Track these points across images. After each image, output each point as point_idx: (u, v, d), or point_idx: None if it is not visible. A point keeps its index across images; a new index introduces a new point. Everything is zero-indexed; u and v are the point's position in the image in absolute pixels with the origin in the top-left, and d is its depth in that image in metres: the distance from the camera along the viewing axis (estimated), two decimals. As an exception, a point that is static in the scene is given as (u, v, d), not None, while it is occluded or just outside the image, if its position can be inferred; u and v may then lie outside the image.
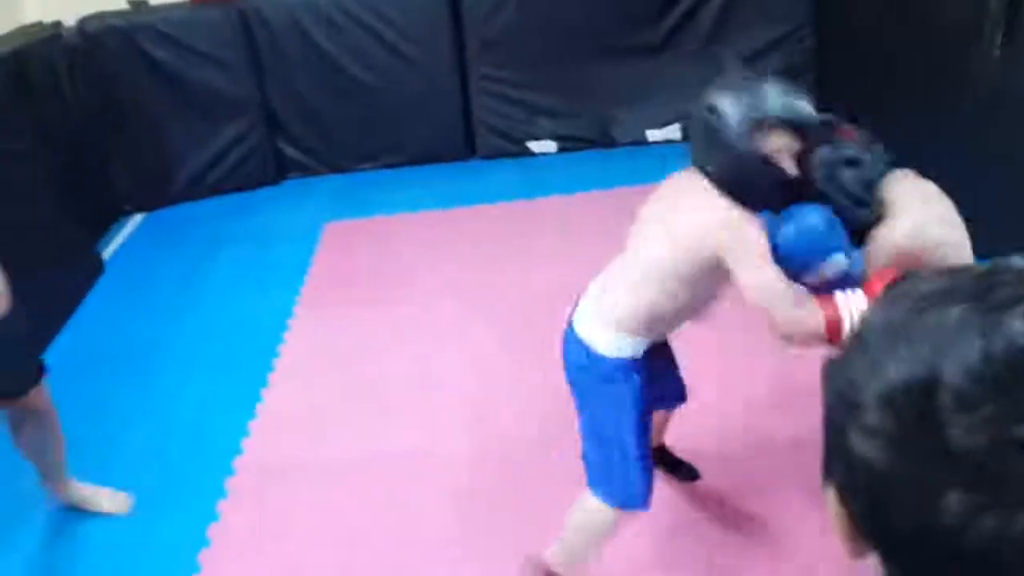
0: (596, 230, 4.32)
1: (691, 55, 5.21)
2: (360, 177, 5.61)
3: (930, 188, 1.80)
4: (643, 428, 1.88)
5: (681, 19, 5.17)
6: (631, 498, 1.90)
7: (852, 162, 1.70)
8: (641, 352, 1.87)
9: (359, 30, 5.32)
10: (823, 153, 1.68)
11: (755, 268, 1.66)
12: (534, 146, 5.49)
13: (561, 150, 5.45)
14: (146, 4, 5.31)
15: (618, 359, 1.85)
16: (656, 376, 1.95)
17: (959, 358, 0.47)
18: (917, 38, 4.08)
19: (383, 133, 5.58)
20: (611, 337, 1.85)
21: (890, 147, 4.97)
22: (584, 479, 2.01)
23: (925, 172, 4.40)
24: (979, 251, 3.68)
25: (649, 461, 1.92)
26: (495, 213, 4.89)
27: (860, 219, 1.70)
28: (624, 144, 5.38)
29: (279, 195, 5.53)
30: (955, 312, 0.49)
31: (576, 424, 2.01)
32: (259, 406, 3.32)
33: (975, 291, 0.50)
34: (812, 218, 1.69)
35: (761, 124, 1.66)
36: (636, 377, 1.85)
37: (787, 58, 5.19)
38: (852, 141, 1.73)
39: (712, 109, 1.70)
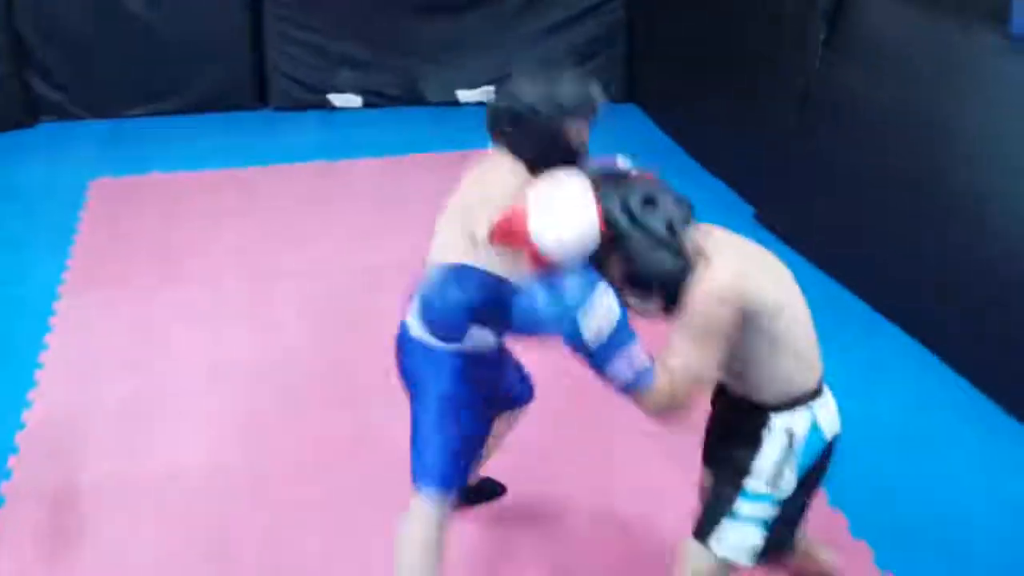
0: (408, 199, 4.07)
1: (507, 15, 4.98)
2: (131, 124, 4.90)
3: (744, 240, 1.65)
4: (469, 421, 1.89)
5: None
6: (445, 479, 1.87)
7: (649, 200, 1.51)
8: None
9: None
10: (618, 191, 1.50)
11: None
12: (336, 99, 5.04)
13: (366, 105, 5.04)
14: None
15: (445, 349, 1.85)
16: (491, 374, 1.96)
17: None
18: (733, 26, 4.08)
19: (159, 73, 4.89)
20: None
21: (696, 134, 4.88)
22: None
23: (736, 165, 4.42)
24: (800, 249, 3.67)
25: (466, 457, 1.92)
26: (293, 175, 4.44)
27: (665, 266, 1.49)
28: (434, 103, 5.07)
29: (32, 142, 4.70)
30: None
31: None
32: (26, 413, 2.77)
33: None
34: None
35: (562, 110, 1.79)
36: (459, 362, 1.85)
37: (599, 27, 5.10)
38: (651, 183, 1.56)
39: (514, 97, 1.81)
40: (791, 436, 1.60)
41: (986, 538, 2.35)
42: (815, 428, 1.62)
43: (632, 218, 1.49)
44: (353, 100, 5.05)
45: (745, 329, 1.52)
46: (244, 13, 4.85)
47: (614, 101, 5.23)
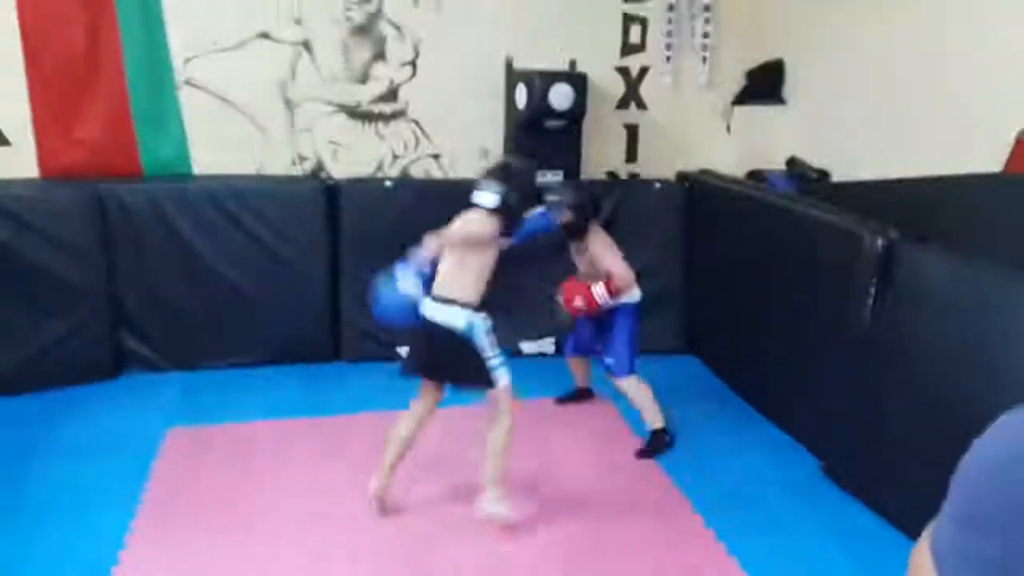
0: (468, 444, 4.10)
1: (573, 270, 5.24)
2: (209, 376, 5.15)
3: None
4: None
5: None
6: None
7: None
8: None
9: (229, 224, 5.09)
10: None
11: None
12: (404, 351, 5.23)
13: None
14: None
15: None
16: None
17: None
18: (785, 280, 4.23)
19: (238, 329, 5.21)
20: None
21: (756, 385, 5.02)
22: None
23: (797, 416, 4.34)
24: (869, 503, 3.53)
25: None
26: (361, 424, 4.55)
27: None
28: (498, 354, 5.24)
29: (114, 392, 4.95)
30: None
31: None
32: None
33: None
34: None
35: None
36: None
37: (656, 287, 5.32)
38: None
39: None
40: None
41: None
42: None
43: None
44: (420, 352, 5.23)
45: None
46: (325, 276, 5.24)
47: (674, 352, 5.34)
